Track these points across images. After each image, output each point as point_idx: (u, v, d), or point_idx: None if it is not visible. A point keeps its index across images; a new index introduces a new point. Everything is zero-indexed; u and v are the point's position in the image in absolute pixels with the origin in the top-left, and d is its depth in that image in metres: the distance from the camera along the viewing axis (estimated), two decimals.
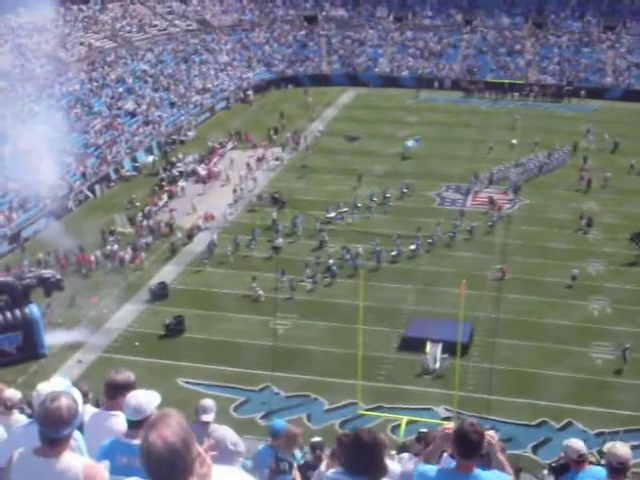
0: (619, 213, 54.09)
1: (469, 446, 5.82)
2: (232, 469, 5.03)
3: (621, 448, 8.21)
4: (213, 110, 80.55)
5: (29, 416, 8.26)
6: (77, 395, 6.39)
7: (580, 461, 8.89)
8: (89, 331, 39.91)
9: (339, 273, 45.50)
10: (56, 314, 40.72)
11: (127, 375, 7.06)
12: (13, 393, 8.84)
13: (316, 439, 11.42)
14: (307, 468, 10.56)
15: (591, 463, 10.05)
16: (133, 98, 73.91)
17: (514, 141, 67.83)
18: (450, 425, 6.22)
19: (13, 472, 5.32)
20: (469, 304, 35.84)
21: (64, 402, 5.01)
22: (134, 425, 6.44)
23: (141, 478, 4.21)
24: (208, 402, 9.19)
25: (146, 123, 70.68)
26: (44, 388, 6.57)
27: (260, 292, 42.81)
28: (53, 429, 5.03)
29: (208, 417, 8.66)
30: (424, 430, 10.66)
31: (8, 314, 37.17)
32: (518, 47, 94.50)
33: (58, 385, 6.71)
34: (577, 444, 9.02)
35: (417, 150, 66.44)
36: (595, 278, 45.66)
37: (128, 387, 6.87)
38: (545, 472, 20.00)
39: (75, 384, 7.80)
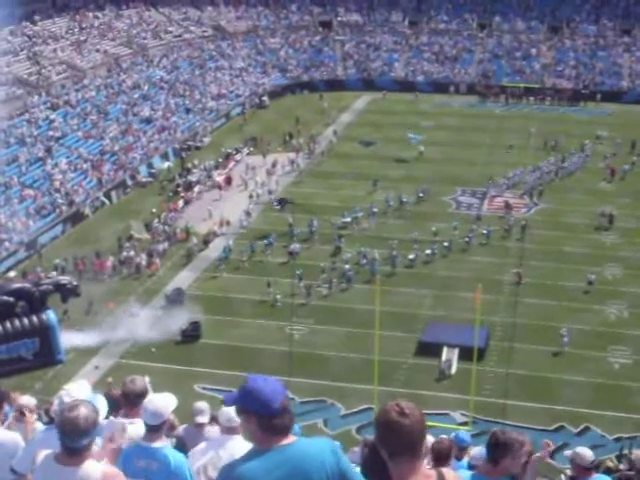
0: (636, 217, 53.90)
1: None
2: None
3: (585, 450, 8.51)
4: (228, 116, 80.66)
5: (45, 423, 8.28)
6: (101, 402, 6.41)
7: (590, 468, 8.88)
8: (108, 336, 39.96)
9: (355, 278, 45.48)
10: (73, 320, 40.81)
11: (143, 383, 7.08)
12: (28, 400, 8.86)
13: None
14: None
15: (608, 469, 10.05)
16: (149, 104, 74.13)
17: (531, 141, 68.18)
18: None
19: (35, 474, 5.36)
20: (485, 309, 35.78)
21: (82, 412, 5.00)
22: (152, 429, 6.46)
23: None
24: (202, 404, 9.24)
25: (162, 129, 70.87)
26: (70, 391, 6.60)
27: (278, 297, 42.84)
28: (71, 438, 5.03)
29: (203, 419, 8.67)
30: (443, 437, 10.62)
31: (25, 320, 37.26)
32: (534, 51, 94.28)
33: (82, 389, 6.74)
34: (586, 452, 9.00)
35: (433, 154, 66.35)
36: (612, 282, 45.47)
37: (145, 395, 6.90)
38: (562, 477, 19.94)
39: (100, 390, 7.83)
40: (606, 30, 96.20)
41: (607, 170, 62.55)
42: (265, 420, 4.24)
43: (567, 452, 9.36)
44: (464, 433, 10.98)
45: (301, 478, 4.19)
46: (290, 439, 4.30)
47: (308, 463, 4.23)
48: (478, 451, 9.16)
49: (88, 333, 39.39)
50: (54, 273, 44.67)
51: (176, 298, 43.41)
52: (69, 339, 38.83)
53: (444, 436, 10.92)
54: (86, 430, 5.00)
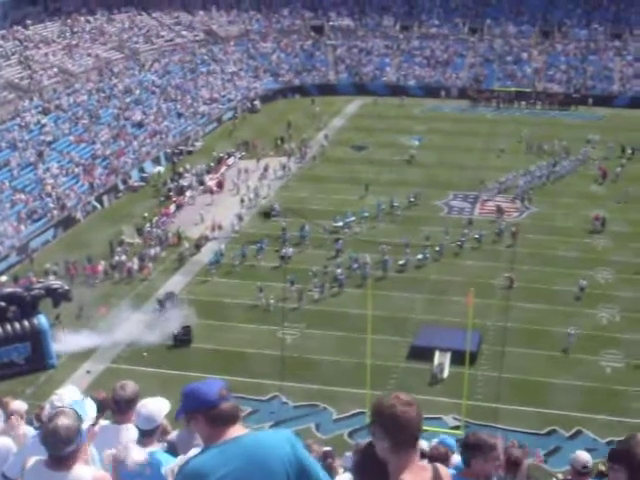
0: (628, 221, 53.99)
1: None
2: None
3: (581, 455, 8.55)
4: (220, 120, 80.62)
5: (37, 428, 8.26)
6: (90, 406, 6.38)
7: (584, 473, 8.90)
8: (104, 338, 39.80)
9: (347, 282, 45.46)
10: (65, 325, 40.67)
11: (132, 388, 7.05)
12: (19, 405, 8.84)
13: (326, 448, 11.39)
14: None
15: (601, 473, 10.05)
16: (140, 109, 74.07)
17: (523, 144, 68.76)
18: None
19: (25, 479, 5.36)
20: (477, 313, 35.78)
21: (62, 422, 5.03)
22: (145, 434, 6.43)
23: None
24: None
25: (153, 134, 70.80)
26: (62, 396, 6.58)
27: (271, 301, 42.80)
28: (54, 448, 5.05)
29: None
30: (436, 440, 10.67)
31: (17, 325, 37.20)
32: (525, 55, 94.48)
33: (73, 394, 6.71)
34: (583, 456, 9.02)
35: (424, 159, 66.42)
36: (604, 286, 45.53)
37: (135, 400, 6.86)
38: None
39: (88, 393, 7.80)
40: (597, 34, 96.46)
41: (598, 171, 63.14)
42: (209, 414, 4.33)
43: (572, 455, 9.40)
44: (449, 438, 10.99)
45: (259, 468, 4.17)
46: (242, 430, 4.35)
47: (265, 453, 4.21)
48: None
49: (86, 335, 39.29)
50: (52, 277, 44.78)
51: (168, 302, 43.35)
52: (69, 342, 38.80)
53: (435, 440, 10.94)
54: (67, 439, 5.02)
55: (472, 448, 5.95)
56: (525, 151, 68.64)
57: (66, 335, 39.25)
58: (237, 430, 4.34)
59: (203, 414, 4.35)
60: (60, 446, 5.02)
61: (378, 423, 4.17)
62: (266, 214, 55.79)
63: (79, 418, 5.19)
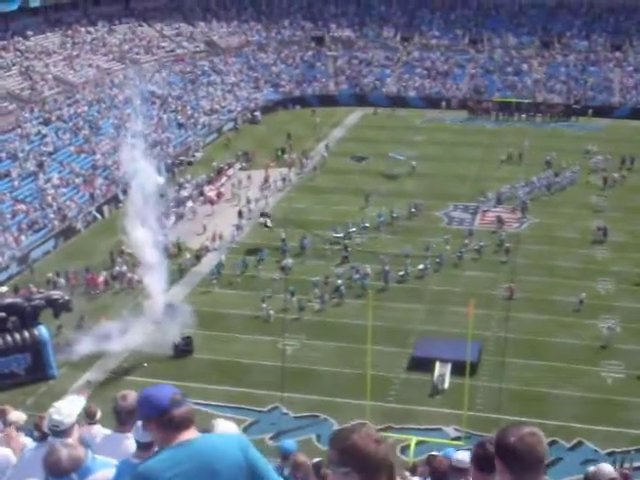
0: (628, 232, 54.00)
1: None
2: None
3: (607, 467, 8.40)
4: (221, 131, 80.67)
5: (36, 439, 8.22)
6: (77, 405, 6.33)
7: None
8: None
9: (347, 293, 45.44)
10: (66, 335, 40.60)
11: (134, 398, 7.02)
12: (18, 416, 8.82)
13: (317, 459, 11.30)
14: None
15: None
16: (141, 119, 74.03)
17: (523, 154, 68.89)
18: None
19: None
20: (478, 323, 35.78)
21: (64, 453, 5.01)
22: (143, 446, 6.40)
23: None
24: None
25: (154, 144, 70.75)
26: (60, 408, 6.56)
27: (271, 312, 42.78)
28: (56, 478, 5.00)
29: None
30: (434, 454, 10.61)
31: (17, 335, 37.20)
32: (525, 66, 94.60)
33: (72, 405, 6.69)
34: (608, 468, 8.76)
35: (425, 170, 66.39)
36: (604, 297, 45.51)
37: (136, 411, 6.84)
38: None
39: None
40: (597, 45, 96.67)
41: (599, 179, 63.85)
42: (162, 419, 4.36)
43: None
44: (453, 451, 10.89)
45: (208, 472, 4.19)
46: (194, 434, 4.38)
47: (215, 457, 4.24)
48: None
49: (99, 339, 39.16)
50: (62, 280, 45.01)
51: (169, 313, 43.26)
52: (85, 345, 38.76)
53: (436, 453, 10.90)
54: (70, 469, 4.98)
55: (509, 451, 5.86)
56: (505, 161, 68.85)
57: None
58: (190, 434, 4.36)
59: (156, 420, 4.38)
60: (60, 476, 4.96)
61: (350, 463, 3.86)
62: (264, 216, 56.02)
63: (82, 450, 5.17)
